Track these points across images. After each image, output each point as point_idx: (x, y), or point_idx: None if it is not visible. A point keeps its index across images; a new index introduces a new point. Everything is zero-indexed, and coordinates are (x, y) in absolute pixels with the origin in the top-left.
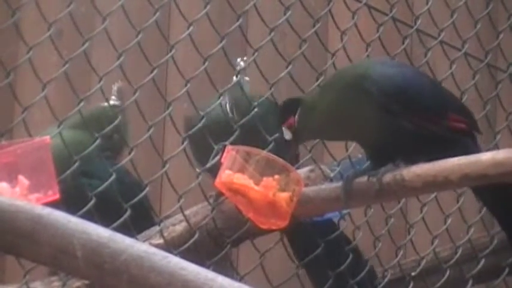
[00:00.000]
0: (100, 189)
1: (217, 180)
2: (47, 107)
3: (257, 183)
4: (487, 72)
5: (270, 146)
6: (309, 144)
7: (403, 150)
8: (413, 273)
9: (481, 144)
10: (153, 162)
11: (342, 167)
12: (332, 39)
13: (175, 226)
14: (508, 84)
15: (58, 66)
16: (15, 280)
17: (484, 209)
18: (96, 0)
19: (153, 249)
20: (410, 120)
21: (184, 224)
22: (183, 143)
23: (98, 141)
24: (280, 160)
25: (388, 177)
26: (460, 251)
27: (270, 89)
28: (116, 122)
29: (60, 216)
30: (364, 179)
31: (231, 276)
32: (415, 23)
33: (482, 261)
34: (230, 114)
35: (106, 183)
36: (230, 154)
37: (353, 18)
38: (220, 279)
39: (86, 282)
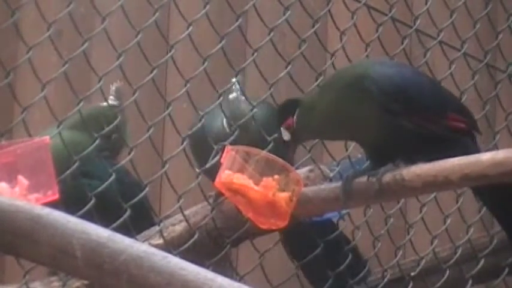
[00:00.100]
0: (100, 189)
1: (217, 180)
2: (46, 107)
3: (257, 183)
4: (486, 73)
5: (269, 147)
6: (308, 144)
7: (403, 150)
8: (412, 274)
9: (481, 144)
10: (153, 162)
11: (342, 167)
12: (331, 40)
13: (175, 226)
14: (507, 85)
15: (58, 66)
16: (14, 280)
17: (484, 209)
18: (96, 0)
19: (153, 249)
20: (409, 119)
21: (183, 224)
22: (182, 143)
23: (97, 142)
24: (280, 160)
25: (387, 177)
26: (459, 251)
27: (270, 89)
28: (115, 122)
29: (60, 216)
30: (364, 179)
31: (231, 277)
32: (415, 23)
33: (482, 261)
34: (227, 130)
35: (106, 183)
36: (230, 154)
37: (352, 18)
38: (220, 279)
39: (86, 282)
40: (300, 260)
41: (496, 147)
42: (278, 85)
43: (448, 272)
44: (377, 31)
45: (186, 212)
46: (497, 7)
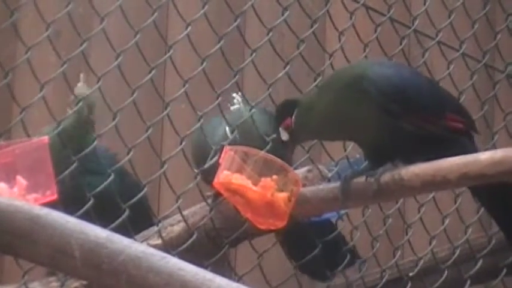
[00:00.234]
0: (99, 189)
1: (216, 180)
2: (45, 107)
3: (255, 184)
4: (485, 73)
5: (268, 147)
6: (306, 144)
7: (401, 150)
8: (411, 274)
9: (479, 144)
10: (152, 162)
11: (340, 167)
12: (330, 40)
13: (174, 226)
14: (506, 85)
15: (56, 67)
16: (13, 280)
17: (482, 209)
18: (94, 0)
19: (151, 250)
20: (408, 120)
21: (182, 224)
22: (181, 144)
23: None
24: (278, 160)
25: (386, 177)
26: (458, 252)
27: (268, 89)
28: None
29: (58, 217)
30: (362, 179)
31: (229, 277)
32: (413, 24)
33: (480, 262)
34: (230, 137)
35: (105, 183)
36: (228, 154)
37: (351, 18)
38: (218, 279)
39: (84, 282)
40: (299, 260)
41: (494, 148)
42: (276, 85)
43: (446, 272)
44: (375, 31)
45: (185, 212)
46: (496, 7)
